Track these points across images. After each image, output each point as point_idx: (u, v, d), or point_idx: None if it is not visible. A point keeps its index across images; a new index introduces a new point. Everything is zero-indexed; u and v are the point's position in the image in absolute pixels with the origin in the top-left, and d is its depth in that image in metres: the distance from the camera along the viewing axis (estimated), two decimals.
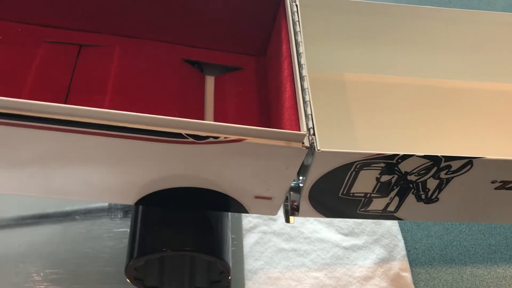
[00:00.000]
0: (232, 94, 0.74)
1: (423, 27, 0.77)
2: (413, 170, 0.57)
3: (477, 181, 0.59)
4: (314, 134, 0.54)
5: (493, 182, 0.59)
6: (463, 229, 0.79)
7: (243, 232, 0.77)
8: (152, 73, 0.72)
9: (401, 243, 0.75)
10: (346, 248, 0.76)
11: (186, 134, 0.51)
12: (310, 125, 0.55)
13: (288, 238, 0.77)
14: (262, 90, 0.74)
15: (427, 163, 0.56)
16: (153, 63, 0.73)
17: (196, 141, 0.51)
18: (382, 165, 0.56)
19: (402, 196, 0.61)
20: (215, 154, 0.53)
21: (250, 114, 0.70)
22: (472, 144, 0.75)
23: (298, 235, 0.78)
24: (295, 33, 0.64)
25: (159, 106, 0.68)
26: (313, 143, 0.54)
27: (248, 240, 0.77)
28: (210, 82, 0.76)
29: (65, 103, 0.66)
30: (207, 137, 0.51)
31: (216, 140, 0.51)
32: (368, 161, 0.55)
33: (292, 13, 0.67)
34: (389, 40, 0.78)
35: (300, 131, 0.54)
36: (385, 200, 0.62)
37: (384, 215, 0.65)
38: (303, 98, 0.58)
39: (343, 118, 0.74)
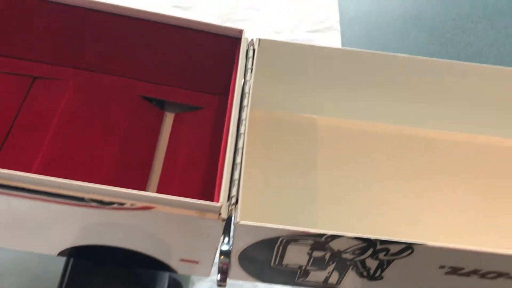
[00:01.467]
0: (188, 136, 0.70)
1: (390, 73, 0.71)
2: (346, 249, 0.51)
3: (423, 265, 0.53)
4: (236, 203, 0.50)
5: (441, 267, 0.53)
6: None
7: (194, 280, 0.73)
8: (103, 110, 0.69)
9: None
10: None
11: (88, 198, 0.47)
12: (234, 192, 0.51)
13: None
14: (219, 134, 0.70)
15: (361, 244, 0.50)
16: (107, 99, 0.70)
17: (100, 205, 0.48)
18: (311, 242, 0.51)
19: (341, 271, 0.56)
20: (125, 220, 0.50)
21: (199, 163, 0.66)
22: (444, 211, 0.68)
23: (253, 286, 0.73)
24: (246, 71, 0.61)
25: (102, 147, 0.65)
26: (231, 215, 0.49)
27: None
28: (169, 121, 0.73)
29: (5, 139, 0.64)
30: (112, 202, 0.48)
31: (122, 207, 0.48)
32: (295, 238, 0.50)
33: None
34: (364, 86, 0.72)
35: (217, 201, 0.49)
36: (324, 273, 0.56)
37: (327, 287, 0.59)
38: (234, 158, 0.53)
39: (294, 171, 0.69)
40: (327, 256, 0.53)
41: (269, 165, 0.71)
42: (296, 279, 0.58)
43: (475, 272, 0.53)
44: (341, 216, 0.66)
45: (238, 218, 0.49)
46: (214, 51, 0.68)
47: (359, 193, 0.69)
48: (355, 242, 0.50)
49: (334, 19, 1.13)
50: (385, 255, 0.52)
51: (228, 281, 0.67)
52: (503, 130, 0.75)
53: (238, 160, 0.53)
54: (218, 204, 0.48)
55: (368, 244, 0.50)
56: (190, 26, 0.66)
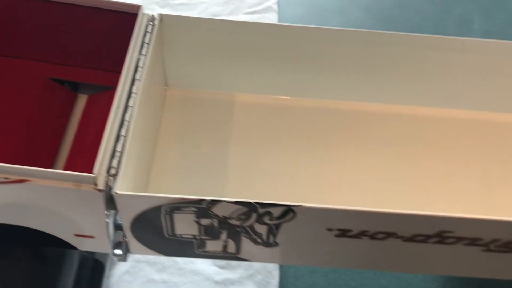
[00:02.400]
0: (99, 116, 0.70)
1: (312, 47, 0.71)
2: (231, 215, 0.52)
3: (311, 229, 0.53)
4: (116, 175, 0.50)
5: (329, 230, 0.53)
6: None
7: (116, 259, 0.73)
8: (9, 93, 0.69)
9: (274, 281, 0.70)
10: (217, 283, 0.71)
11: None
12: (115, 164, 0.51)
13: (161, 268, 0.73)
14: None
15: (243, 208, 0.51)
16: (14, 83, 0.69)
17: None
18: (194, 209, 0.51)
19: (235, 239, 0.56)
20: (6, 195, 0.50)
21: None
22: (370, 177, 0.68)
23: (173, 265, 0.73)
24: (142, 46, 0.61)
25: (6, 129, 0.65)
26: (110, 185, 0.49)
27: (120, 269, 0.73)
28: (82, 102, 0.73)
29: None
30: None
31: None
32: (177, 206, 0.50)
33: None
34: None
35: (93, 172, 0.49)
36: (219, 242, 0.57)
37: (229, 256, 0.59)
38: (118, 130, 0.53)
39: (207, 148, 0.69)
40: (216, 223, 0.53)
41: (184, 141, 0.71)
42: (196, 249, 0.58)
43: (363, 233, 0.53)
44: (250, 189, 0.67)
45: (116, 188, 0.49)
46: (117, 29, 0.67)
47: (271, 166, 0.69)
48: (237, 206, 0.50)
49: (272, 0, 1.13)
50: (270, 219, 0.52)
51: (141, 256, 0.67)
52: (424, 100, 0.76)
53: (123, 132, 0.53)
54: (93, 175, 0.48)
55: (250, 208, 0.50)
56: (91, 5, 0.66)
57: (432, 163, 0.70)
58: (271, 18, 1.09)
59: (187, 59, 0.73)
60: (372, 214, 0.50)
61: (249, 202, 0.50)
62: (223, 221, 0.53)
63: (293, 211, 0.50)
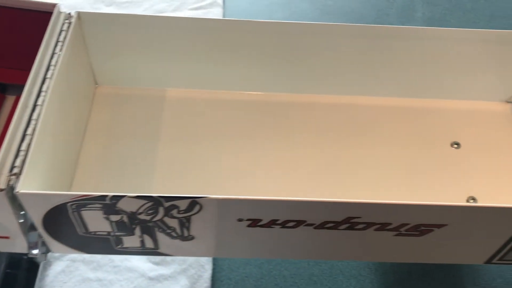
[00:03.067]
0: None
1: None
2: (139, 210, 0.52)
3: (222, 220, 0.53)
4: (19, 174, 0.50)
5: (240, 220, 0.53)
6: None
7: (51, 260, 0.73)
8: None
9: (206, 274, 0.70)
10: (151, 279, 0.71)
11: None
12: (18, 163, 0.50)
13: (96, 267, 0.73)
14: None
15: (148, 203, 0.51)
16: None
17: None
18: (100, 206, 0.51)
19: (151, 234, 0.56)
20: None
21: None
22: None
23: (108, 263, 0.73)
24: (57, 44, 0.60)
25: None
26: (12, 185, 0.49)
27: (54, 269, 0.73)
28: (10, 103, 0.72)
29: None
30: None
31: None
32: (82, 203, 0.50)
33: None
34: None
35: None
36: (135, 238, 0.57)
37: (150, 251, 0.60)
38: (25, 130, 0.53)
39: (136, 144, 0.69)
40: (126, 219, 0.53)
41: (112, 138, 0.71)
42: (115, 246, 0.58)
43: (274, 222, 0.54)
44: (178, 184, 0.67)
45: (19, 188, 0.49)
46: (38, 28, 0.67)
47: (199, 160, 0.69)
48: (141, 201, 0.50)
49: None
50: (178, 212, 0.52)
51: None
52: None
53: (29, 131, 0.53)
54: None
55: (154, 202, 0.50)
56: (9, 5, 0.66)
57: (358, 150, 0.71)
58: (216, 13, 1.09)
59: (114, 57, 0.73)
60: (278, 203, 0.51)
61: (151, 196, 0.50)
62: (132, 217, 0.53)
63: (198, 203, 0.51)
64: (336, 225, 0.54)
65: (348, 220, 0.53)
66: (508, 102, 0.79)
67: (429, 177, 0.70)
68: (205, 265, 0.71)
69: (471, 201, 0.68)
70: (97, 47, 0.71)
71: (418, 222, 0.54)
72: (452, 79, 0.77)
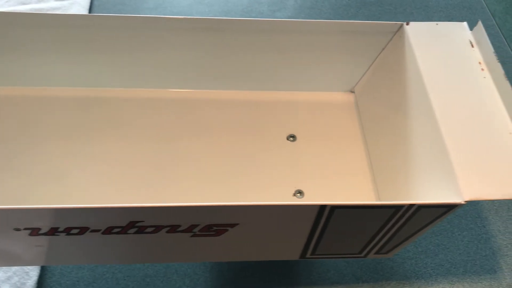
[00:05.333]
0: None
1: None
2: None
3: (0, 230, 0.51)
4: None
5: (17, 229, 0.50)
6: None
7: None
8: None
9: (30, 281, 0.67)
10: None
11: None
12: None
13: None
14: None
15: None
16: None
17: None
18: None
19: None
20: None
21: None
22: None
23: None
24: None
25: None
26: None
27: None
28: None
29: None
30: None
31: None
32: None
33: None
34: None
35: None
36: None
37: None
38: None
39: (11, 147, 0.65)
40: None
41: None
42: None
43: (56, 230, 0.51)
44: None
45: None
46: None
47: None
48: None
49: None
50: None
51: None
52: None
53: None
54: None
55: None
56: None
57: (183, 144, 0.69)
58: (83, 4, 1.05)
59: None
60: (41, 211, 0.48)
61: None
62: None
63: None
64: (122, 230, 0.52)
65: (133, 224, 0.51)
66: (351, 92, 0.79)
67: (260, 172, 0.69)
68: (30, 272, 0.68)
69: (298, 195, 0.68)
70: None
71: (208, 223, 0.52)
72: (297, 71, 0.75)
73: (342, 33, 0.70)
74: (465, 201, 0.51)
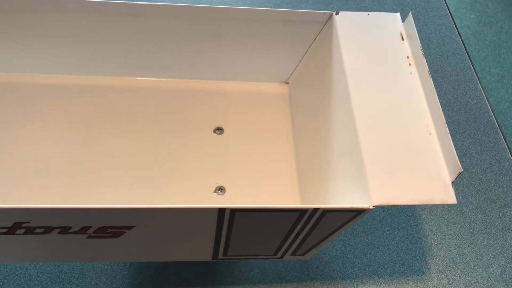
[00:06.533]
0: None
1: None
2: None
3: None
4: None
5: None
6: None
7: None
8: None
9: None
10: None
11: None
12: None
13: None
14: None
15: None
16: None
17: None
18: None
19: None
20: None
21: None
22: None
23: None
24: None
25: None
26: None
27: None
28: None
29: None
30: None
31: None
32: None
33: None
34: None
35: None
36: None
37: None
38: None
39: None
40: None
41: None
42: None
43: None
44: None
45: None
46: None
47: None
48: None
49: None
50: None
51: None
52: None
53: None
54: None
55: None
56: None
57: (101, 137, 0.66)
58: None
59: None
60: None
61: None
62: None
63: None
64: (7, 230, 0.48)
65: (19, 225, 0.48)
66: (286, 83, 0.76)
67: (182, 166, 0.66)
68: None
69: (219, 191, 0.65)
70: None
71: (101, 225, 0.49)
72: (229, 60, 0.72)
73: (275, 22, 0.66)
74: (373, 206, 0.48)
